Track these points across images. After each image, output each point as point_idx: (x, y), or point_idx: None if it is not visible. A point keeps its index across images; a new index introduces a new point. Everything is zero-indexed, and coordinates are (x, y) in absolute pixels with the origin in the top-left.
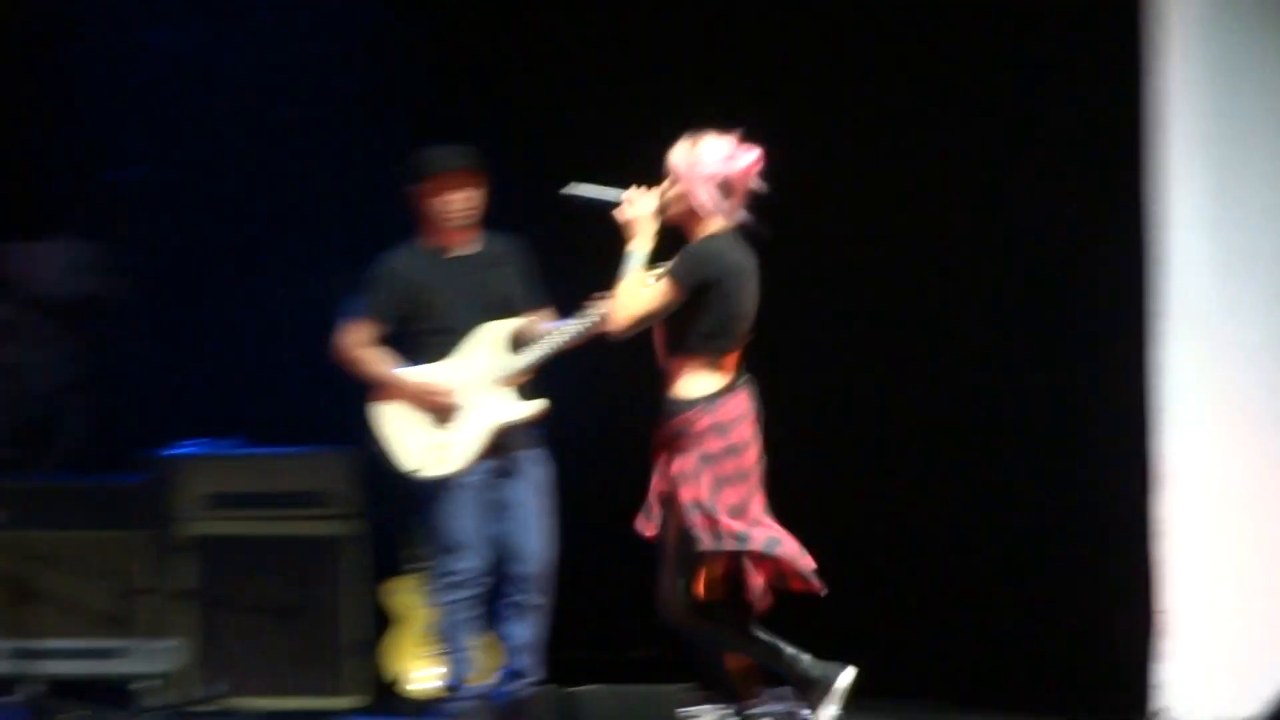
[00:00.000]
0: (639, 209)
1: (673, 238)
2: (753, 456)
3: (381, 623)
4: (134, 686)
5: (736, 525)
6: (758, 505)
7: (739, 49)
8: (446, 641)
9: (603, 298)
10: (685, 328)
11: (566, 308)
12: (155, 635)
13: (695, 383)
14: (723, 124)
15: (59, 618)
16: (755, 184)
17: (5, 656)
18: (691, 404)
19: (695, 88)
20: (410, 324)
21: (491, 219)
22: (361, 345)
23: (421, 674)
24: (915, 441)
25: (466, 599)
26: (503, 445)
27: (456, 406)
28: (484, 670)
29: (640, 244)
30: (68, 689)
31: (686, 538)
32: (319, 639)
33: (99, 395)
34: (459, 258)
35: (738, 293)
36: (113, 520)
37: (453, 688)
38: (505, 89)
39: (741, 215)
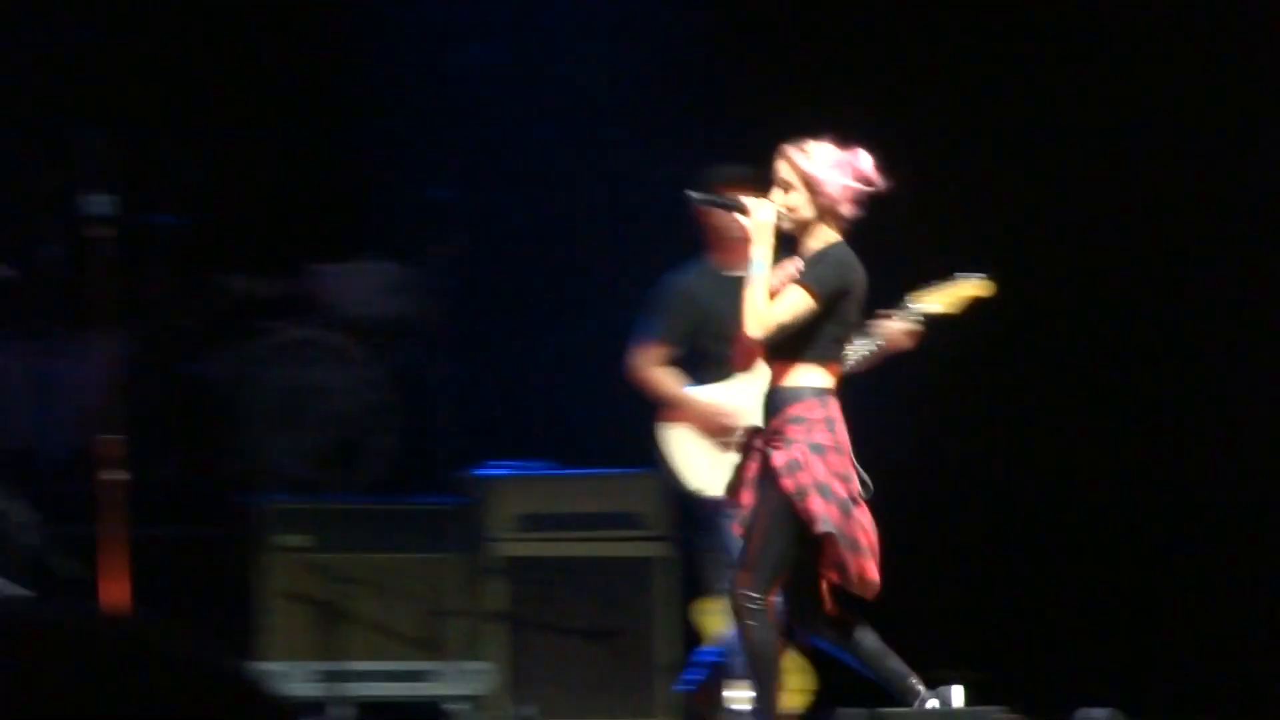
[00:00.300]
0: (759, 216)
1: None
2: (850, 462)
3: (693, 644)
4: (444, 709)
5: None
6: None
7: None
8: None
9: (887, 318)
10: (812, 332)
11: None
12: (466, 657)
13: (809, 376)
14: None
15: (369, 640)
16: (867, 190)
17: (315, 679)
18: (806, 393)
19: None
20: (698, 344)
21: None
22: (652, 366)
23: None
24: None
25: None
26: None
27: (741, 427)
28: (793, 691)
29: (763, 251)
30: (378, 711)
31: (789, 522)
32: (630, 661)
33: (409, 417)
34: (744, 278)
35: (858, 302)
36: (424, 542)
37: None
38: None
39: (852, 222)
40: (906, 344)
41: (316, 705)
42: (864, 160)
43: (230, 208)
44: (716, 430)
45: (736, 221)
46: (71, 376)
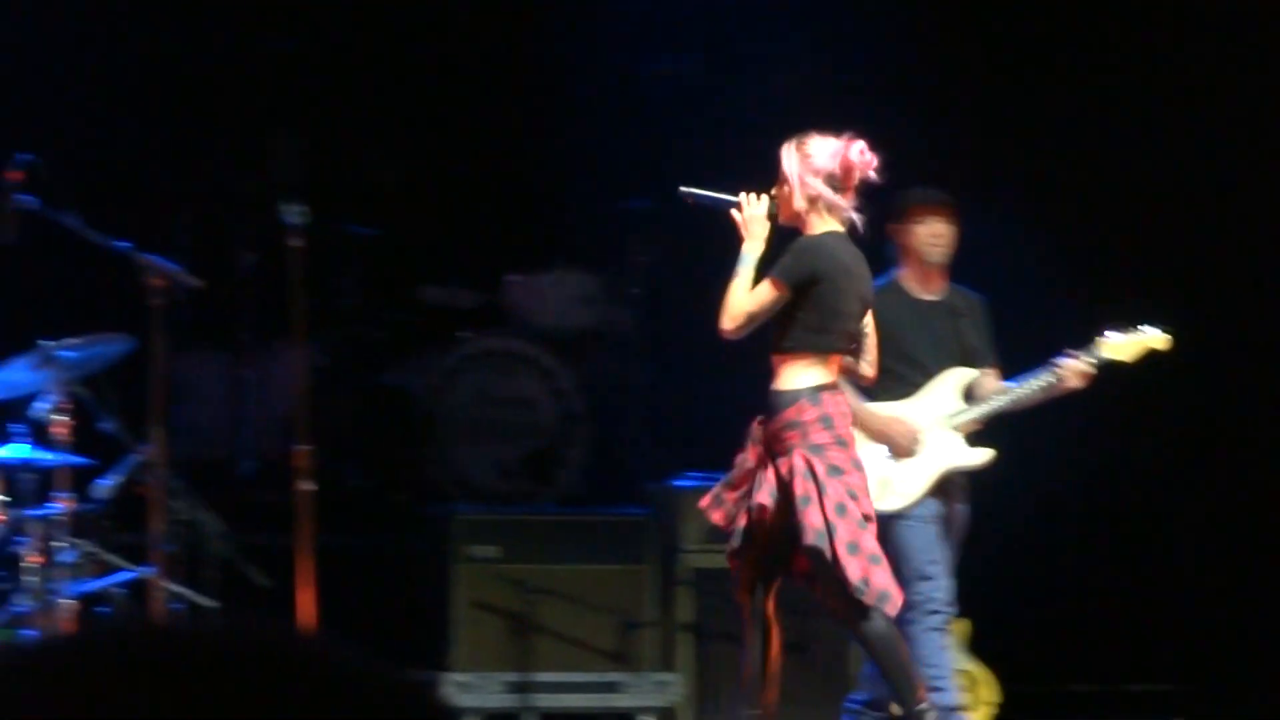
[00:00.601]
0: (751, 211)
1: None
2: (856, 454)
3: None
4: None
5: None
6: (865, 504)
7: None
8: (929, 669)
9: (1072, 358)
10: (789, 324)
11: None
12: (656, 669)
13: (800, 375)
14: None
15: (559, 651)
16: (865, 183)
17: (505, 690)
18: (797, 395)
19: None
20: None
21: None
22: None
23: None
24: None
25: (941, 624)
26: (944, 487)
27: (917, 444)
28: (978, 704)
29: (752, 246)
30: None
31: (791, 533)
32: (820, 674)
33: (602, 427)
34: (930, 302)
35: (843, 291)
36: (615, 554)
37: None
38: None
39: (852, 214)
40: (1079, 385)
41: (506, 717)
42: (855, 151)
43: (425, 218)
44: (896, 443)
45: (910, 240)
46: (264, 386)
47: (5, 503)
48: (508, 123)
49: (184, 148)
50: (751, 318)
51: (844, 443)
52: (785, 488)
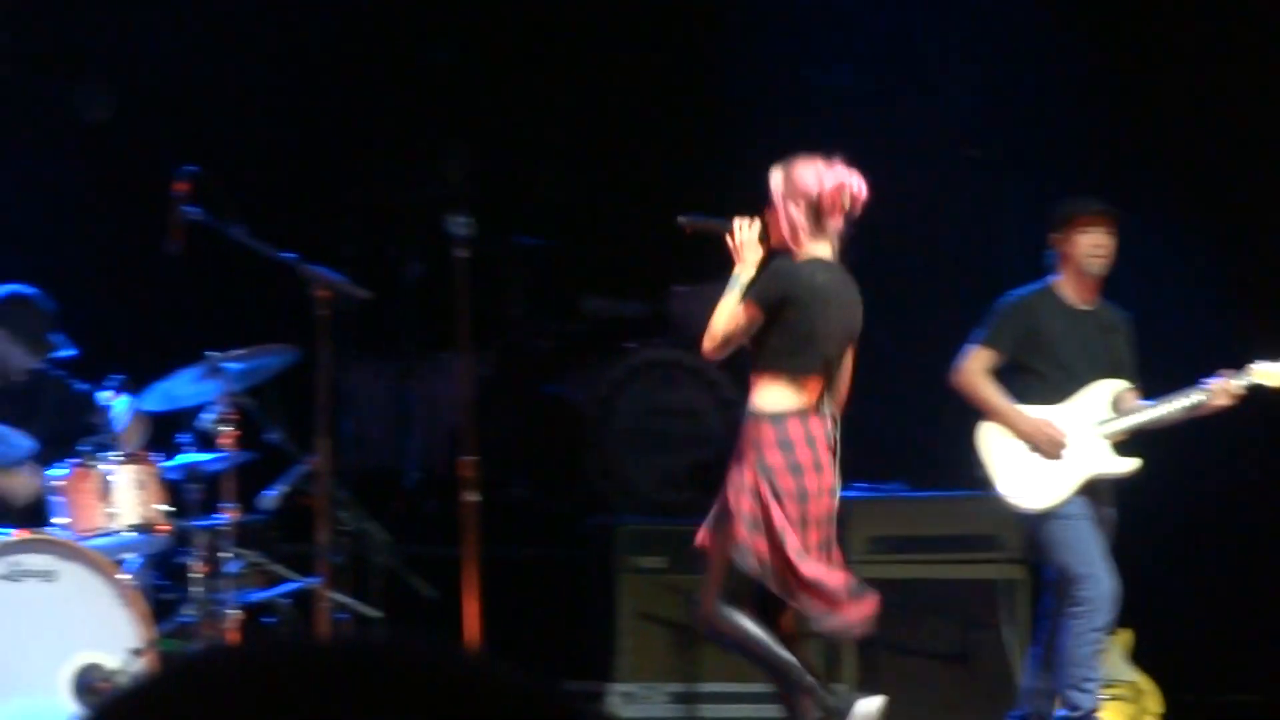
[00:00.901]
0: (743, 236)
1: None
2: (815, 483)
3: None
4: None
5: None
6: (813, 534)
7: None
8: (1077, 668)
9: (1224, 379)
10: (763, 344)
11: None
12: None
13: (769, 396)
14: None
15: (722, 661)
16: (852, 207)
17: (670, 700)
18: (760, 415)
19: None
20: (1024, 359)
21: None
22: (979, 372)
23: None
24: None
25: (1098, 625)
26: (1092, 490)
27: (1064, 448)
28: (1140, 714)
29: (742, 270)
30: None
31: (728, 543)
32: (983, 683)
33: None
34: (1084, 311)
35: (818, 314)
36: None
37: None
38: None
39: (839, 239)
40: (1226, 405)
41: None
42: (836, 175)
43: (590, 228)
44: (1043, 445)
45: (1071, 249)
46: (429, 397)
47: (171, 513)
48: (672, 133)
49: (350, 159)
50: (728, 338)
51: (798, 469)
52: (726, 498)
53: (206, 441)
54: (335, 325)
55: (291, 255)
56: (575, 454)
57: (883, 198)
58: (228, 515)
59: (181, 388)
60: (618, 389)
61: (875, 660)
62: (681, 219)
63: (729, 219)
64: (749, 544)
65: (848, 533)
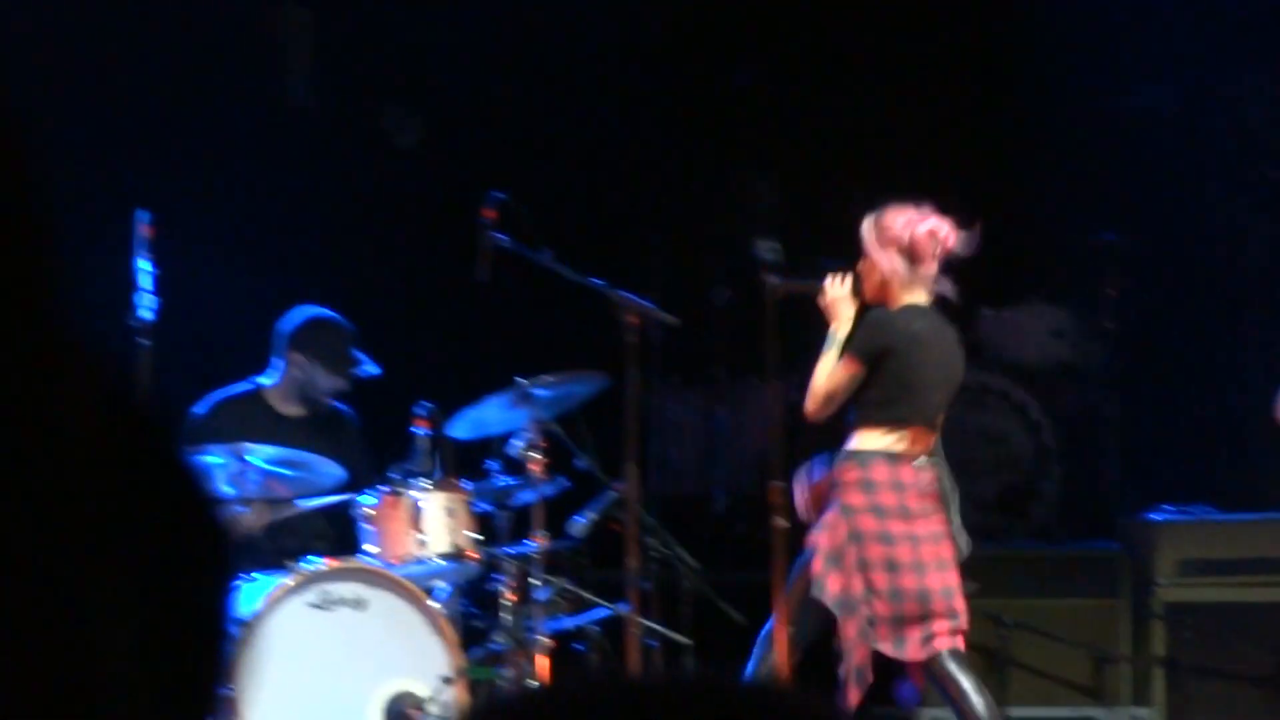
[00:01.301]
0: (835, 292)
1: None
2: (900, 527)
3: None
4: None
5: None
6: (888, 576)
7: None
8: None
9: None
10: (861, 395)
11: None
12: (1131, 704)
13: (861, 439)
14: None
15: (1034, 686)
16: (947, 252)
17: None
18: (849, 455)
19: None
20: None
21: None
22: None
23: None
24: None
25: None
26: None
27: None
28: None
29: (838, 327)
30: None
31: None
32: None
33: (1076, 461)
34: None
35: (915, 363)
36: (1090, 588)
37: None
38: None
39: (937, 285)
40: None
41: None
42: (926, 223)
43: None
44: None
45: None
46: (738, 423)
47: (481, 541)
48: (976, 157)
49: (658, 185)
50: (830, 396)
51: (881, 511)
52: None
53: (516, 468)
54: (644, 351)
55: (599, 281)
56: None
57: (1186, 218)
58: (537, 542)
59: (491, 414)
60: None
61: (1184, 685)
62: (772, 281)
63: (820, 277)
64: (822, 578)
65: (1156, 556)
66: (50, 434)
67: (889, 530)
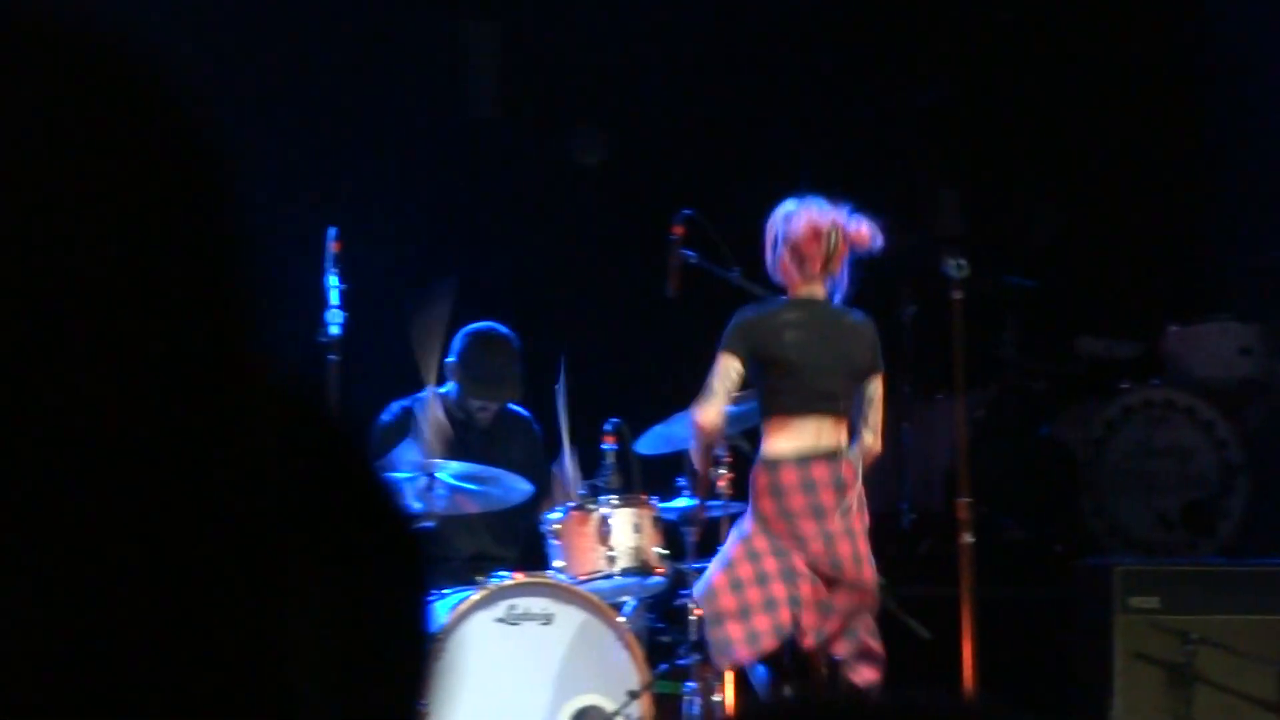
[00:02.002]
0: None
1: None
2: (813, 527)
3: None
4: None
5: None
6: (794, 585)
7: None
8: None
9: None
10: (760, 390)
11: None
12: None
13: (768, 440)
14: None
15: (1220, 702)
16: (839, 250)
17: None
18: (758, 460)
19: None
20: None
21: None
22: None
23: None
24: None
25: None
26: None
27: None
28: None
29: None
30: None
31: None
32: None
33: (1261, 477)
34: None
35: (793, 351)
36: (1275, 603)
37: None
38: None
39: (830, 280)
40: None
41: None
42: (807, 215)
43: (1083, 268)
44: None
45: None
46: (924, 438)
47: (667, 555)
48: (1166, 171)
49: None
50: (712, 390)
51: (789, 515)
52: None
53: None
54: None
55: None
56: (1068, 495)
57: None
58: None
59: (679, 430)
60: (1111, 429)
61: None
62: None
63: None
64: (705, 578)
65: None
66: (249, 456)
67: (800, 532)
